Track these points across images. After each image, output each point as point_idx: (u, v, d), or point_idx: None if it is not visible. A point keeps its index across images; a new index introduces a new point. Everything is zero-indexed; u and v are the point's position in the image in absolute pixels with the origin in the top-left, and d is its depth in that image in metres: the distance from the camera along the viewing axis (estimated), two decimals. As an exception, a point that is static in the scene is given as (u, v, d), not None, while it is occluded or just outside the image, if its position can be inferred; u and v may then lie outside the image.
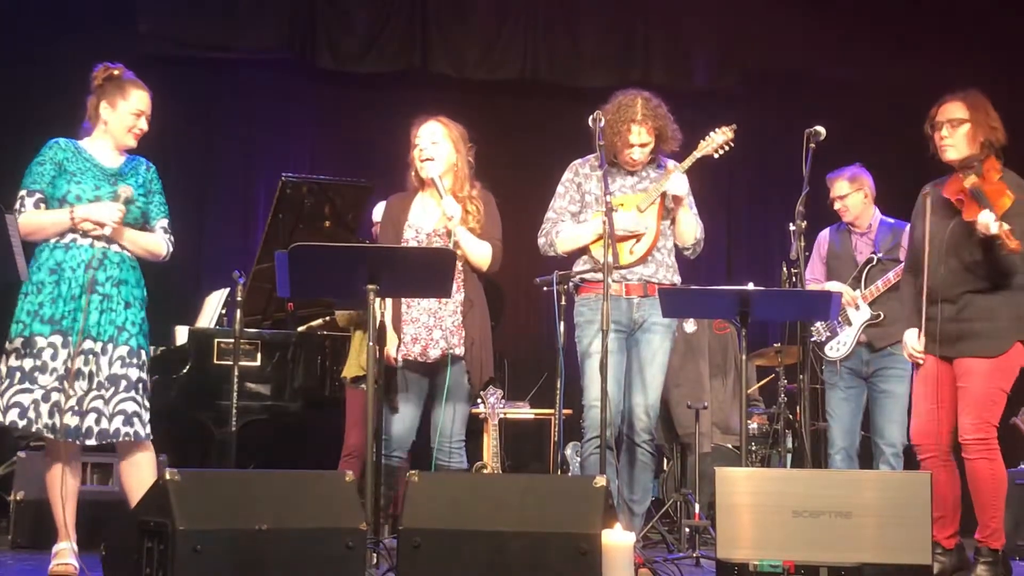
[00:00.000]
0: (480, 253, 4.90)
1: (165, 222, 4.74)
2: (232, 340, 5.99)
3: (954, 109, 4.80)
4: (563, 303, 5.31)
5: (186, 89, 7.90)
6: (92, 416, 4.41)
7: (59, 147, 4.60)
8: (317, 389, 6.49)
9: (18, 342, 4.41)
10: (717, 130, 5.15)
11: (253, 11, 8.34)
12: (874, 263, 5.87)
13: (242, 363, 6.10)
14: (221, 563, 3.58)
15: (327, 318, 6.68)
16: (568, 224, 5.21)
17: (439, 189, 4.85)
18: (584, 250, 5.17)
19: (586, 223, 5.17)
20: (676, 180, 5.05)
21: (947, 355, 4.76)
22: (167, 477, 3.65)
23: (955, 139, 4.78)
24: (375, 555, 4.34)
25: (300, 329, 6.68)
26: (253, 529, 3.67)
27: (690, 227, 5.18)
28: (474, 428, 6.87)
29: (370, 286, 4.39)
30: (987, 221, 4.49)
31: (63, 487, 4.46)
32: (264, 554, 3.67)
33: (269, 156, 8.56)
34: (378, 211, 6.14)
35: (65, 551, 4.45)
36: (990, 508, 4.70)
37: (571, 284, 5.26)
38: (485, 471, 6.44)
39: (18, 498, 5.69)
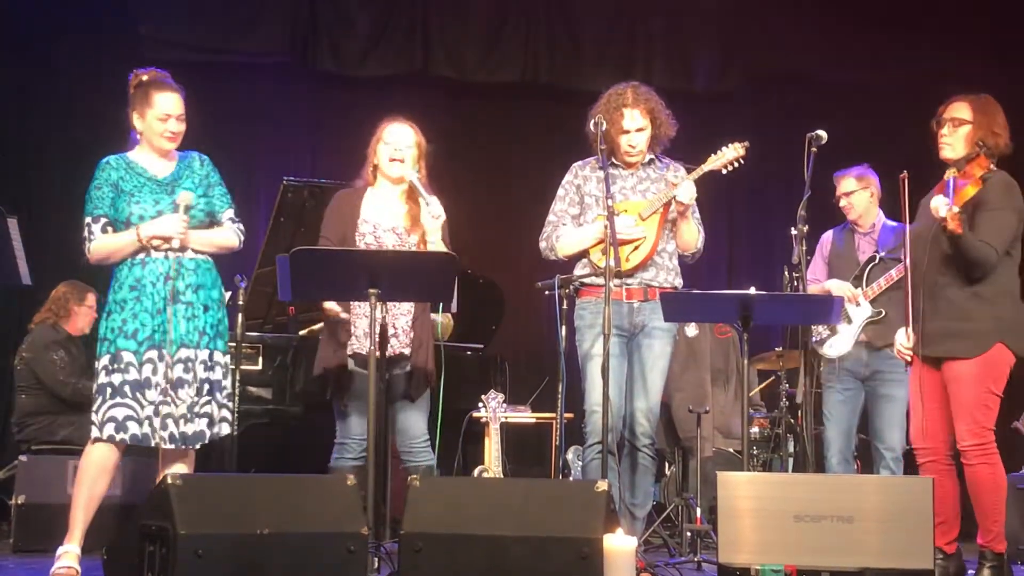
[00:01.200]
0: None
1: (231, 212, 4.82)
2: (233, 344, 5.99)
3: (959, 109, 4.80)
4: (564, 307, 5.30)
5: (187, 93, 7.88)
6: (200, 421, 4.56)
7: (111, 167, 4.64)
8: (318, 393, 6.47)
9: (106, 359, 4.50)
10: (729, 145, 5.11)
11: (254, 14, 8.35)
12: (876, 261, 5.87)
13: (243, 367, 6.10)
14: (222, 567, 3.59)
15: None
16: (569, 228, 5.20)
17: (420, 190, 4.85)
18: (584, 254, 5.17)
19: (587, 227, 5.17)
20: (685, 188, 5.03)
21: (933, 355, 4.74)
22: (168, 481, 3.65)
23: (953, 139, 4.78)
24: (376, 559, 4.33)
25: (301, 333, 6.67)
26: (254, 533, 3.67)
27: (693, 235, 5.17)
28: (475, 432, 6.87)
29: (371, 290, 4.39)
30: (936, 204, 4.51)
31: (97, 492, 4.52)
32: (265, 558, 3.67)
33: (270, 159, 8.57)
34: None
35: (69, 554, 4.45)
36: (992, 512, 4.70)
37: (572, 288, 5.26)
38: (486, 475, 6.43)
39: (19, 502, 5.69)
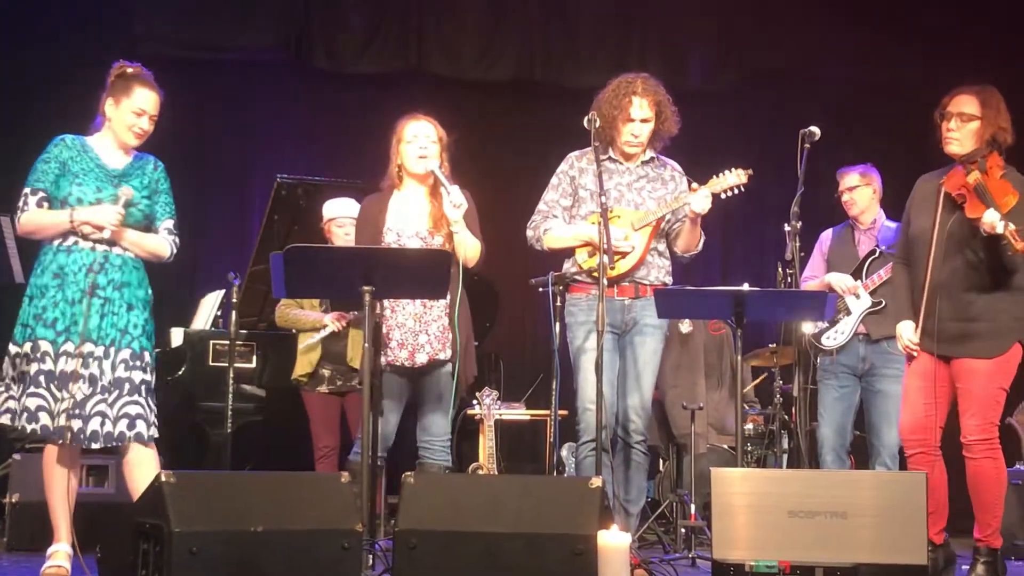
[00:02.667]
0: (473, 246, 4.92)
1: (171, 223, 4.70)
2: (227, 342, 5.99)
3: (966, 103, 4.74)
4: (558, 304, 5.31)
5: (181, 90, 7.85)
6: (96, 420, 4.40)
7: (64, 145, 4.57)
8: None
9: (27, 347, 4.41)
10: (732, 170, 5.06)
11: (248, 12, 8.33)
12: (876, 255, 5.87)
13: (237, 365, 6.10)
14: (217, 565, 3.58)
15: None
16: (558, 222, 5.20)
17: (442, 180, 4.84)
18: (571, 251, 5.17)
19: (576, 226, 5.16)
20: (701, 198, 4.99)
21: (946, 354, 4.74)
22: (162, 479, 3.64)
23: (961, 133, 4.73)
24: (371, 556, 4.34)
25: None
26: (249, 531, 3.67)
27: (695, 240, 5.17)
28: (470, 429, 6.88)
29: (365, 287, 4.39)
30: (992, 220, 4.45)
31: (63, 488, 4.46)
32: (260, 556, 3.67)
33: (264, 157, 8.55)
34: (330, 208, 6.13)
35: (59, 553, 4.44)
36: (992, 508, 4.71)
37: (566, 285, 5.25)
38: (481, 472, 6.43)
39: (13, 500, 5.67)
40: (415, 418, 5.01)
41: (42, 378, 4.37)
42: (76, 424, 4.36)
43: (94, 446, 4.43)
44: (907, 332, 4.86)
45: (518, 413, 7.37)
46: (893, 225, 5.94)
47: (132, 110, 4.58)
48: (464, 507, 3.91)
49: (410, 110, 5.16)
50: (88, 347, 4.40)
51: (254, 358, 6.41)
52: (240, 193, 8.58)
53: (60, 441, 4.38)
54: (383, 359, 4.83)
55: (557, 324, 5.28)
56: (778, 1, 8.77)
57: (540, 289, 5.40)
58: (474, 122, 8.91)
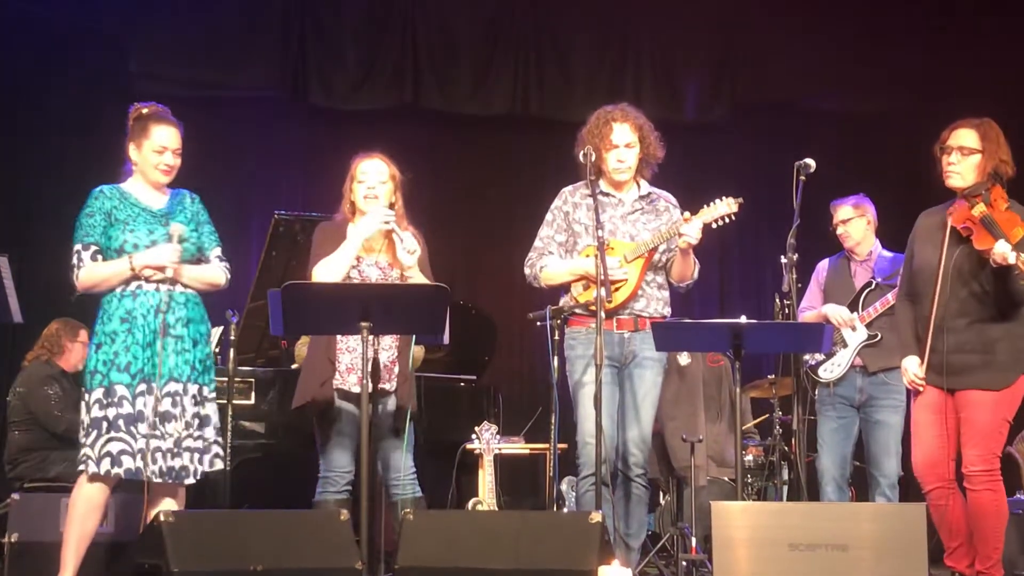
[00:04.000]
0: None
1: (219, 250, 4.82)
2: (225, 379, 5.98)
3: (966, 136, 4.75)
4: (556, 338, 5.31)
5: (178, 128, 7.92)
6: (187, 455, 4.52)
7: (104, 196, 4.63)
8: (311, 427, 6.45)
9: (99, 392, 4.46)
10: (723, 199, 5.05)
11: (245, 50, 8.38)
12: (872, 287, 5.87)
13: (236, 401, 6.09)
14: (216, 604, 3.58)
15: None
16: (554, 258, 5.21)
17: (394, 229, 4.84)
18: (567, 285, 5.18)
19: (571, 261, 5.16)
20: (692, 228, 4.99)
21: (951, 387, 4.72)
22: (161, 519, 3.64)
23: (962, 167, 4.73)
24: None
25: (294, 366, 6.66)
26: (248, 570, 3.67)
27: (689, 269, 5.17)
28: (469, 463, 6.86)
29: (363, 323, 4.39)
30: (1004, 251, 4.45)
31: (87, 528, 4.49)
32: (259, 595, 3.66)
33: (262, 194, 8.58)
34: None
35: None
36: (993, 539, 4.68)
37: (563, 318, 5.26)
38: (481, 507, 6.41)
39: (12, 540, 5.65)
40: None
41: (121, 422, 4.43)
42: (176, 462, 4.47)
43: (187, 481, 4.54)
44: (912, 367, 4.85)
45: (517, 447, 7.36)
46: (889, 255, 5.95)
47: (153, 149, 4.65)
48: (464, 543, 3.90)
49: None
50: (171, 386, 4.51)
51: (252, 395, 6.40)
52: (238, 230, 8.57)
53: (156, 481, 4.44)
54: (331, 384, 4.84)
55: (555, 358, 5.27)
56: (772, 34, 8.82)
57: (538, 323, 5.39)
58: (470, 156, 8.98)
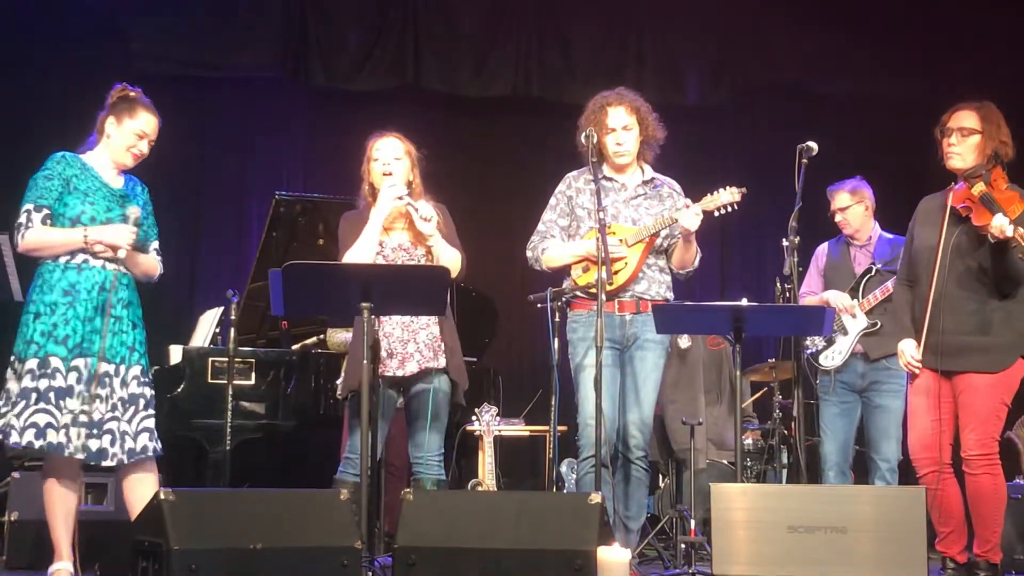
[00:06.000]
0: (452, 258, 4.91)
1: (156, 244, 4.77)
2: (226, 359, 5.99)
3: (966, 118, 4.77)
4: (557, 320, 5.31)
5: (179, 108, 7.87)
6: (108, 437, 4.43)
7: (66, 163, 4.58)
8: (312, 407, 6.47)
9: (33, 363, 4.40)
10: (727, 188, 5.06)
11: (246, 30, 8.36)
12: (872, 273, 5.87)
13: (236, 382, 6.09)
14: (216, 583, 3.58)
15: (321, 336, 6.68)
16: (556, 241, 5.21)
17: (411, 204, 4.85)
18: (569, 268, 5.18)
19: (572, 244, 5.17)
20: (692, 215, 4.99)
21: (948, 369, 4.73)
22: (161, 497, 3.65)
23: (963, 148, 4.75)
24: (370, 573, 4.33)
25: (295, 347, 6.67)
26: (248, 548, 3.67)
27: (690, 256, 5.18)
28: (469, 445, 6.87)
29: (364, 304, 4.39)
30: (1001, 224, 4.45)
31: (64, 506, 4.49)
32: (259, 573, 3.67)
33: (262, 174, 8.56)
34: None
35: (60, 572, 4.44)
36: (991, 523, 4.70)
37: (564, 300, 5.26)
38: (480, 488, 6.42)
39: (12, 519, 5.66)
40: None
41: (52, 394, 4.37)
42: (94, 443, 4.40)
43: (104, 464, 4.46)
44: (909, 350, 4.85)
45: (517, 429, 7.36)
46: (890, 236, 5.94)
47: (135, 131, 4.62)
48: (463, 523, 3.91)
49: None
50: (103, 366, 4.45)
51: (253, 375, 6.40)
52: (238, 210, 8.58)
53: (71, 456, 4.38)
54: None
55: (555, 340, 5.28)
56: (774, 16, 8.80)
57: (539, 305, 5.41)
58: (471, 138, 8.96)
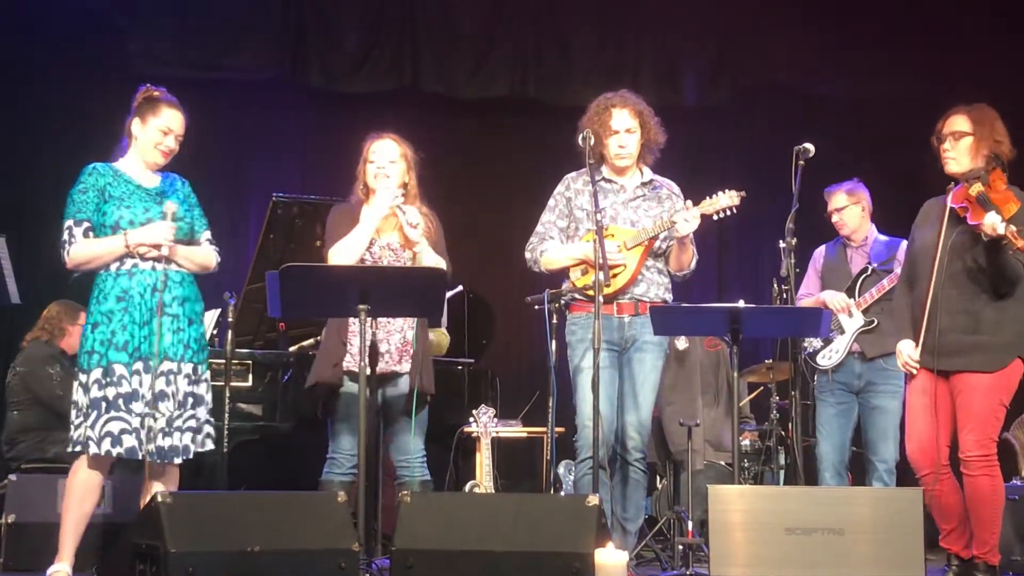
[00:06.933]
0: (435, 265, 4.90)
1: (208, 233, 4.82)
2: (223, 361, 5.99)
3: (958, 122, 4.79)
4: (554, 321, 5.31)
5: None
6: (178, 435, 4.51)
7: (98, 173, 4.61)
8: (309, 409, 6.46)
9: (98, 372, 4.45)
10: (725, 192, 5.05)
11: (243, 31, 8.35)
12: (868, 272, 5.88)
13: (233, 384, 6.09)
14: (213, 585, 3.58)
15: (318, 338, 6.67)
16: (555, 243, 5.21)
17: (401, 208, 4.86)
18: (567, 271, 5.18)
19: (570, 246, 5.17)
20: (688, 218, 4.98)
21: (945, 368, 4.73)
22: (159, 499, 3.65)
23: (957, 152, 4.76)
24: (368, 576, 4.33)
25: (292, 349, 6.67)
26: (245, 551, 3.68)
27: (687, 258, 5.18)
28: (466, 447, 6.86)
29: (361, 306, 4.39)
30: (993, 222, 4.46)
31: (84, 510, 4.50)
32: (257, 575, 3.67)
33: (260, 176, 8.56)
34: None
35: (60, 573, 4.44)
36: (990, 524, 4.70)
37: (562, 302, 5.26)
38: (478, 490, 6.42)
39: (9, 521, 5.66)
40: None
41: (120, 401, 4.43)
42: (167, 442, 4.47)
43: (176, 460, 4.53)
44: (907, 350, 4.86)
45: (515, 431, 7.36)
46: (885, 239, 5.95)
47: (160, 128, 4.64)
48: (461, 526, 3.91)
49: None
50: (166, 365, 4.50)
51: (250, 377, 6.40)
52: (236, 212, 8.57)
53: (148, 460, 4.45)
54: (342, 367, 4.87)
55: (553, 341, 5.28)
56: (773, 17, 8.79)
57: (536, 307, 5.41)
58: (468, 140, 8.95)
